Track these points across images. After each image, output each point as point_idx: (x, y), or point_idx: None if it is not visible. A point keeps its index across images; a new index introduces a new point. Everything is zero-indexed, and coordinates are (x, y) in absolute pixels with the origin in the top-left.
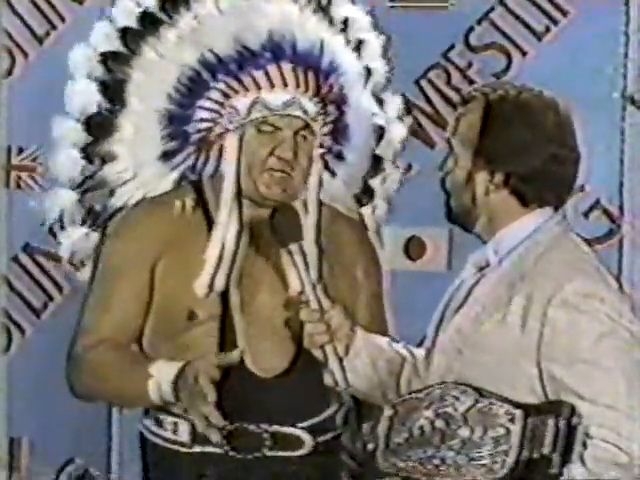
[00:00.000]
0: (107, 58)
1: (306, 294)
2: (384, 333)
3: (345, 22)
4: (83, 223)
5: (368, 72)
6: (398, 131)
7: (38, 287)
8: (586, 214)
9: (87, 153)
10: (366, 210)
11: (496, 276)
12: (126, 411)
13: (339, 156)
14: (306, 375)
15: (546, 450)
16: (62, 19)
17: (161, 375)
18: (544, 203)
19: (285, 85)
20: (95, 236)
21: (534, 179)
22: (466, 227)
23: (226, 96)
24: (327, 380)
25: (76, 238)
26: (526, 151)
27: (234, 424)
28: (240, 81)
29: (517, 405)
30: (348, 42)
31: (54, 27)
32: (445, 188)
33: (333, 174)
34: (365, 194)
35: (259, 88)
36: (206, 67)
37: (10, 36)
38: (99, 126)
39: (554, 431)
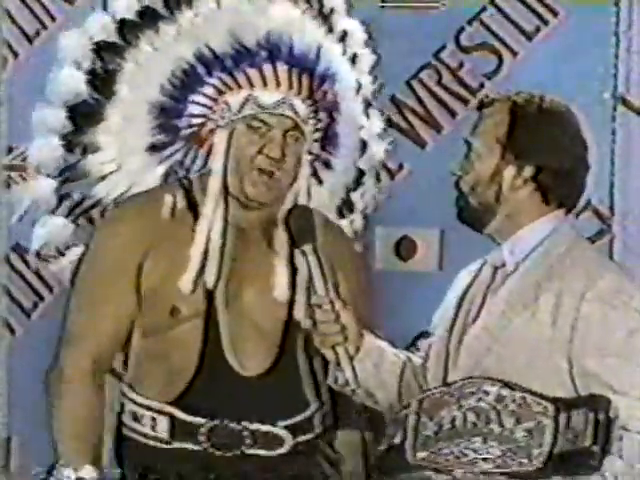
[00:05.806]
0: (101, 48)
1: (321, 295)
2: None
3: (344, 33)
4: (56, 213)
5: (359, 86)
6: (379, 149)
7: (28, 287)
8: (577, 214)
9: (68, 142)
10: (344, 222)
11: (518, 275)
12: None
13: (327, 164)
14: (287, 375)
15: (587, 442)
16: (52, 18)
17: None
18: (563, 204)
19: (278, 85)
20: (71, 227)
21: (563, 177)
22: (477, 227)
23: (219, 92)
24: (340, 380)
25: (51, 228)
26: (558, 147)
27: (214, 421)
28: (234, 78)
29: (548, 399)
30: (345, 53)
31: (44, 27)
32: (460, 189)
33: (320, 182)
34: (345, 206)
35: (252, 86)
36: (202, 62)
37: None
38: (84, 116)
39: (594, 424)
